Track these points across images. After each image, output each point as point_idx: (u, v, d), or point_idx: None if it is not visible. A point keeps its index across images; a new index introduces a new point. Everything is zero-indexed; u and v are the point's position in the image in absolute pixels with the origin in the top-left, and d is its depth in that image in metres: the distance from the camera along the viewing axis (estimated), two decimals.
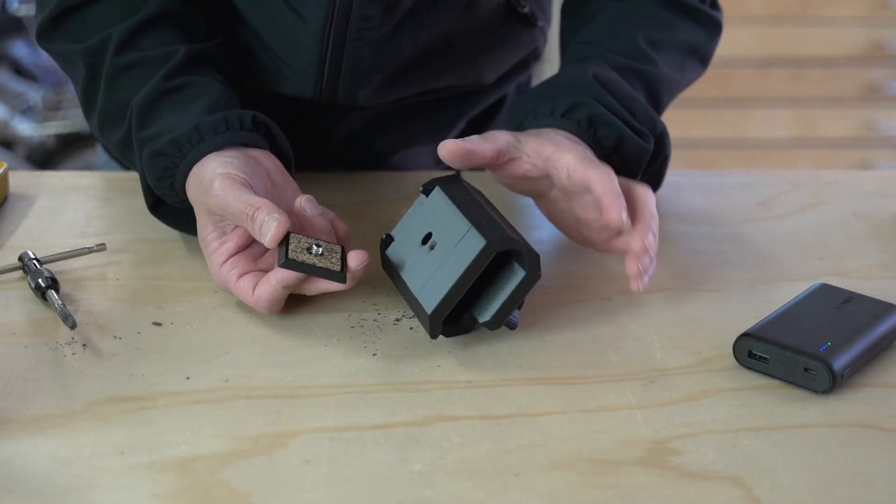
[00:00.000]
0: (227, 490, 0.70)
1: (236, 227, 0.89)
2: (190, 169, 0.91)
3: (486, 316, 0.84)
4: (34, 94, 3.06)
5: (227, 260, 0.89)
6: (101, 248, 0.97)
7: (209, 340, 0.86)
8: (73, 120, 2.98)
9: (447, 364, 0.84)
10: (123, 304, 0.91)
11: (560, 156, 0.90)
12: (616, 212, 0.86)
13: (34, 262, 0.93)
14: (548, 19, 1.21)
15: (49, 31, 1.03)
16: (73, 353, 0.84)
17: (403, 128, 1.16)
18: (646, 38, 1.05)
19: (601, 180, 0.88)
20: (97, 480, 0.71)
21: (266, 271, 0.89)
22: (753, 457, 0.74)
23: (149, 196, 0.97)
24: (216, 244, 0.89)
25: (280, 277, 0.86)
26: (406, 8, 1.03)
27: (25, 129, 3.00)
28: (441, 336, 0.86)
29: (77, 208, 1.08)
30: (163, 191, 0.94)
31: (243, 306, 0.91)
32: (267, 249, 0.90)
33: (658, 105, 1.05)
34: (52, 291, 0.89)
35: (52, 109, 3.02)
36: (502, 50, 1.15)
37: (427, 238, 0.88)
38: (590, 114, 0.96)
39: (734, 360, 0.84)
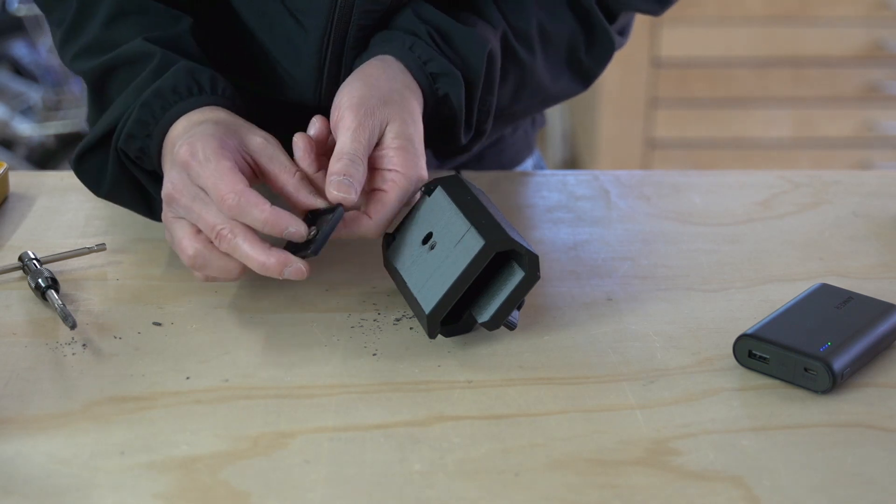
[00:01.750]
0: (227, 490, 0.70)
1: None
2: (179, 116, 0.90)
3: (484, 316, 0.84)
4: (34, 94, 3.06)
5: (227, 149, 0.86)
6: (101, 248, 0.97)
7: (209, 340, 0.86)
8: (73, 120, 2.98)
9: (447, 364, 0.84)
10: (123, 304, 0.91)
11: (340, 103, 0.90)
12: (334, 184, 0.86)
13: (34, 262, 0.93)
14: None
15: None
16: (73, 353, 0.84)
17: None
18: (539, 28, 1.04)
19: (346, 144, 0.87)
20: (97, 480, 0.71)
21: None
22: (753, 457, 0.74)
23: (99, 130, 0.94)
24: (228, 139, 0.87)
25: (277, 215, 0.83)
26: None
27: (25, 129, 3.00)
28: (441, 336, 0.86)
29: (77, 208, 1.08)
30: (154, 106, 0.91)
31: (243, 306, 0.91)
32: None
33: (516, 98, 1.05)
34: (52, 291, 0.89)
35: (52, 109, 3.02)
36: None
37: (427, 238, 0.88)
38: (448, 92, 0.96)
39: (734, 360, 0.84)
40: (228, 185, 0.83)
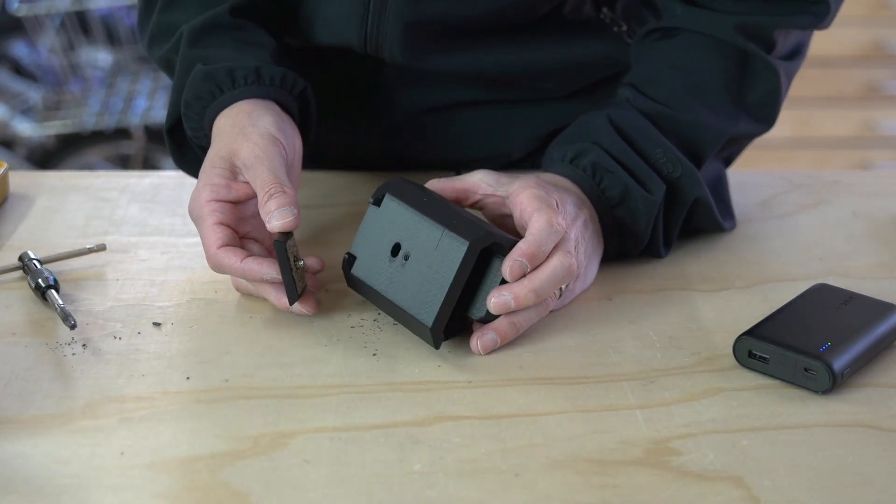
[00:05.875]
0: (227, 490, 0.70)
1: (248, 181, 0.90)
2: (232, 103, 0.93)
3: (480, 312, 0.84)
4: (34, 94, 3.05)
5: (216, 200, 0.89)
6: (101, 248, 0.97)
7: (209, 340, 0.86)
8: (73, 120, 2.98)
9: (447, 364, 0.84)
10: (123, 304, 0.91)
11: (518, 193, 0.88)
12: (507, 265, 0.83)
13: (34, 262, 0.93)
14: None
15: None
16: (73, 353, 0.84)
17: (462, 132, 1.13)
18: (686, 85, 0.99)
19: (535, 226, 0.85)
20: (97, 480, 0.71)
21: (240, 234, 0.90)
22: (753, 457, 0.74)
23: (173, 114, 0.99)
24: (219, 180, 0.90)
25: (248, 267, 0.87)
26: None
27: (25, 129, 3.00)
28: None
29: (77, 208, 1.08)
30: (190, 111, 0.96)
31: (243, 306, 0.91)
32: (250, 217, 0.91)
33: (697, 155, 0.98)
34: (53, 291, 0.89)
35: (52, 109, 3.02)
36: (572, 49, 1.09)
37: (396, 250, 0.87)
38: (593, 161, 0.93)
39: (734, 360, 0.84)
40: (208, 248, 0.88)
